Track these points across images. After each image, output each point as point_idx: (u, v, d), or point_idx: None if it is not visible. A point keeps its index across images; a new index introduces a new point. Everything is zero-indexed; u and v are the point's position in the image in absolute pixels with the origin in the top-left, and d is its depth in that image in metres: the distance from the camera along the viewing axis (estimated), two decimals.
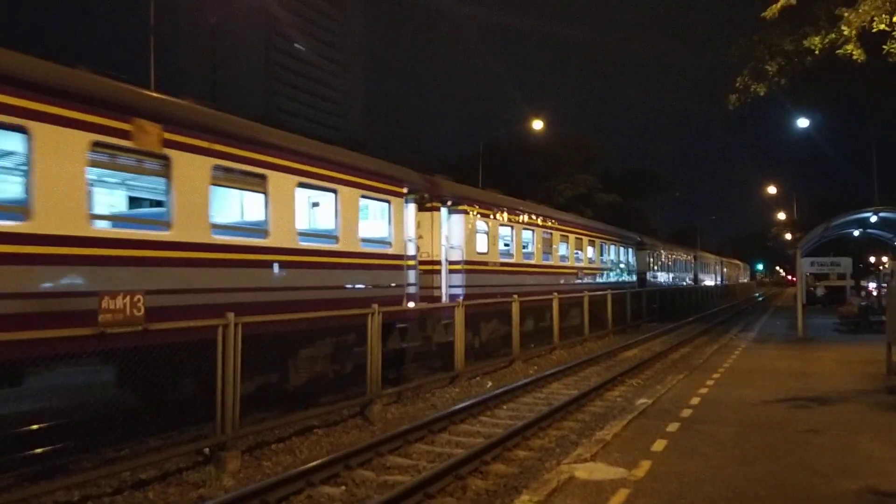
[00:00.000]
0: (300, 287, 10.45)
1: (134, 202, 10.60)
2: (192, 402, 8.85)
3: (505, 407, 11.49)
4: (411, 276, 13.56)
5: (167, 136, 8.31)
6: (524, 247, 19.68)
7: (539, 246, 20.60)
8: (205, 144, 8.87)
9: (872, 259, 55.93)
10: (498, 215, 17.87)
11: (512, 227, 18.81)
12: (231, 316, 7.83)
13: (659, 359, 17.98)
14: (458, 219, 15.80)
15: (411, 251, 13.65)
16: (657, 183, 72.04)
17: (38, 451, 8.03)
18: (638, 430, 8.45)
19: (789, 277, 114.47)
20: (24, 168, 7.02)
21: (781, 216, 66.76)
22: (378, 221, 13.11)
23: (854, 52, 11.88)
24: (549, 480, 6.40)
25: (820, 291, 37.06)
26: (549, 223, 21.67)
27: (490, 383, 13.71)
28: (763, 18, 12.38)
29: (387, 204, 12.93)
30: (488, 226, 17.19)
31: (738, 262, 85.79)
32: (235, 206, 11.05)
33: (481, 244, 16.83)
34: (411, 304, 13.35)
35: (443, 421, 9.88)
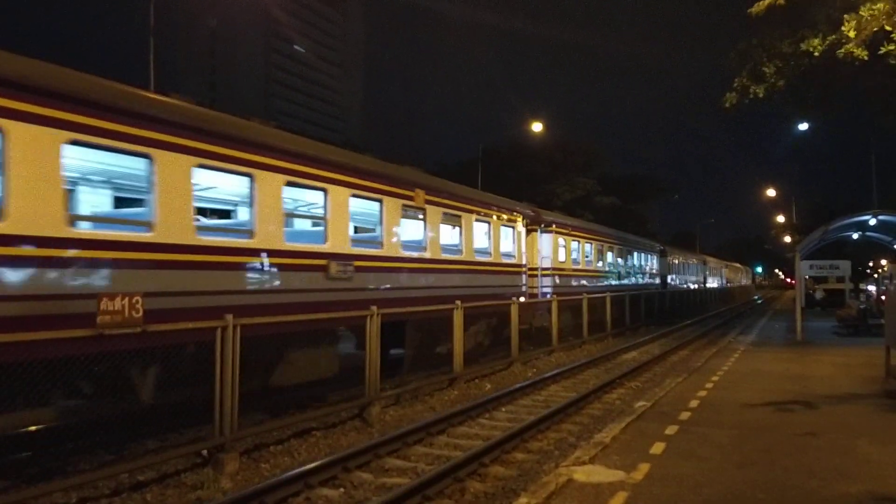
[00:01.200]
0: (484, 285, 16.67)
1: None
2: (190, 404, 8.83)
3: (503, 409, 11.48)
4: (524, 278, 19.17)
5: None
6: (586, 256, 25.71)
7: (596, 255, 26.81)
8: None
9: (871, 262, 55.99)
10: (571, 233, 23.97)
11: (579, 242, 24.77)
12: (230, 318, 7.82)
13: (658, 361, 17.97)
14: (547, 237, 21.74)
15: (524, 261, 19.23)
16: (656, 186, 72.12)
17: (36, 452, 8.01)
18: (636, 433, 8.44)
19: (788, 280, 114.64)
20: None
21: (780, 219, 66.85)
22: (507, 240, 18.33)
23: (856, 52, 11.91)
24: (548, 483, 6.40)
25: (819, 294, 37.12)
26: (603, 238, 28.17)
27: (489, 385, 13.70)
28: (757, 18, 12.39)
29: (511, 229, 18.58)
30: (565, 241, 23.27)
31: (740, 265, 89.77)
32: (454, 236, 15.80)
33: (562, 255, 22.81)
34: (522, 299, 17.99)
35: (441, 423, 9.87)
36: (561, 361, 17.42)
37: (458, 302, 13.56)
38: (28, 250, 6.87)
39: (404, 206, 13.27)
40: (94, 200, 9.92)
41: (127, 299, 6.94)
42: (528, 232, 20.12)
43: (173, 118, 8.52)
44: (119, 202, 10.54)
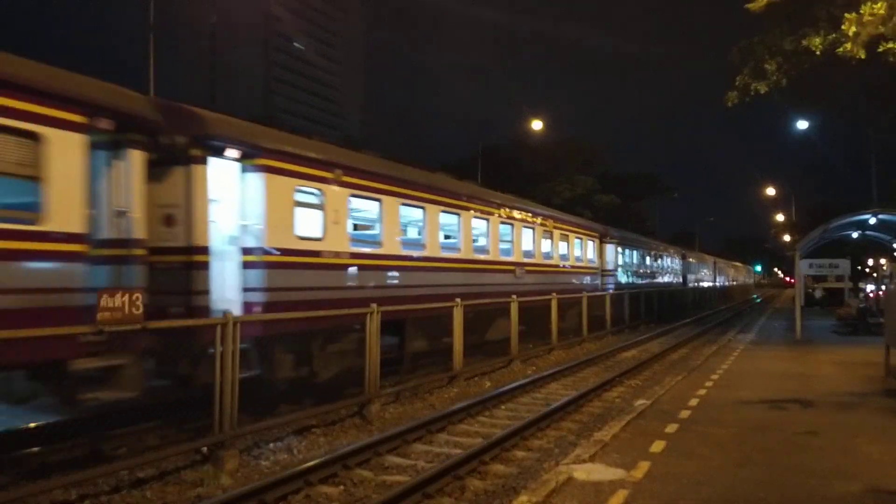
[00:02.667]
0: (580, 283, 24.07)
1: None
2: (190, 401, 8.84)
3: (503, 407, 11.48)
4: (598, 277, 26.53)
5: None
6: (635, 260, 33.02)
7: (640, 259, 34.12)
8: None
9: (871, 261, 55.98)
10: (626, 244, 31.16)
11: (631, 250, 32.10)
12: (230, 315, 7.81)
13: (657, 360, 17.98)
14: (610, 247, 28.13)
15: (596, 265, 26.52)
16: (655, 185, 72.08)
17: (36, 449, 8.00)
18: (636, 432, 8.44)
19: (787, 279, 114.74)
20: None
21: (780, 218, 66.82)
22: (588, 250, 25.73)
23: (855, 50, 11.91)
24: (548, 481, 6.40)
25: (818, 293, 37.13)
26: (646, 246, 35.96)
27: (488, 383, 13.71)
28: (757, 16, 12.37)
29: (592, 242, 26.28)
30: (623, 249, 30.20)
31: (742, 265, 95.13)
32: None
33: (619, 260, 29.21)
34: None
35: (441, 421, 9.87)
36: (560, 359, 17.42)
37: (458, 300, 13.55)
38: (329, 259, 11.16)
39: (544, 231, 20.86)
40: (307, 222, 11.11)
41: (127, 296, 6.93)
42: (596, 241, 27.11)
43: (393, 174, 13.20)
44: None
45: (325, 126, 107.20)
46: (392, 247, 12.90)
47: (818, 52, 13.25)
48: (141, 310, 7.14)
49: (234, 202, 9.73)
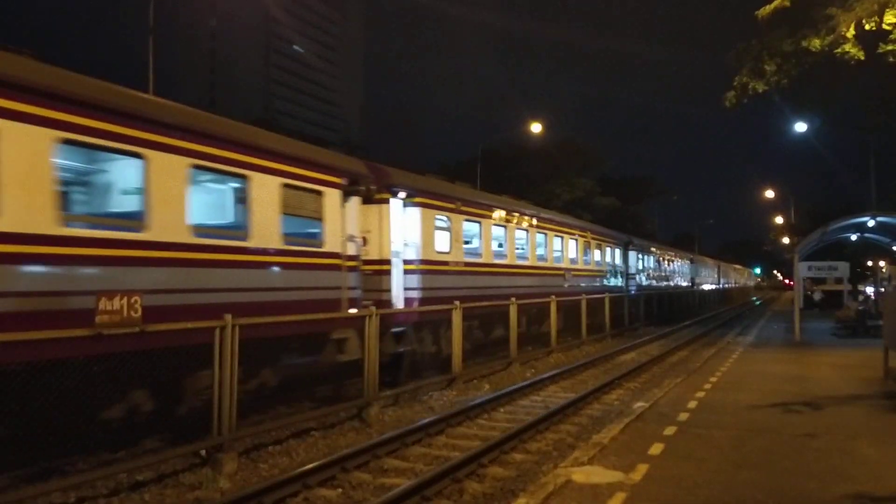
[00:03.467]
0: (606, 286, 26.57)
1: None
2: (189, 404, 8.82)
3: (502, 410, 11.48)
4: (624, 280, 30.82)
5: None
6: (655, 265, 38.77)
7: (658, 264, 39.80)
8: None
9: (870, 263, 55.99)
10: (647, 250, 36.98)
11: (650, 256, 37.39)
12: (228, 318, 7.81)
13: (656, 362, 17.98)
14: (633, 253, 32.47)
15: (622, 269, 30.69)
16: (655, 187, 72.16)
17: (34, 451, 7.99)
18: (635, 434, 8.45)
19: (787, 281, 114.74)
20: None
21: (779, 220, 66.84)
22: (616, 257, 29.99)
23: (852, 51, 11.94)
24: (546, 484, 6.40)
25: (817, 296, 37.09)
26: (663, 252, 42.35)
27: (487, 386, 13.70)
28: (761, 21, 12.43)
29: (619, 249, 30.24)
30: (643, 255, 35.24)
31: (744, 268, 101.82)
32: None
33: (640, 265, 34.56)
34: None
35: (440, 424, 9.87)
36: (560, 362, 17.42)
37: (457, 303, 13.56)
38: (454, 267, 15.18)
39: (584, 241, 25.17)
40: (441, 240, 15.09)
41: (125, 299, 6.94)
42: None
43: (490, 202, 17.91)
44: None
45: (324, 129, 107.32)
46: (487, 257, 17.18)
47: (817, 50, 13.28)
48: (139, 312, 7.15)
49: (399, 228, 13.64)
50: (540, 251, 20.86)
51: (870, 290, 33.46)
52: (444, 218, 14.93)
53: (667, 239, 73.31)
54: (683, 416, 9.46)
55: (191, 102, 9.91)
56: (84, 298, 6.89)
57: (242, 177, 9.38)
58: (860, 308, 23.97)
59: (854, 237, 29.17)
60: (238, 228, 9.47)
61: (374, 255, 13.08)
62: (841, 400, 10.78)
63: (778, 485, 6.36)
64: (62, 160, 7.21)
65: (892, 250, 29.68)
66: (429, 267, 14.14)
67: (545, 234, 21.05)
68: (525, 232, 19.64)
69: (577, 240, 24.28)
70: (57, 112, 6.86)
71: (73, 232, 6.98)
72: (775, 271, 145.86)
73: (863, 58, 12.46)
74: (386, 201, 13.21)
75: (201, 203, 9.17)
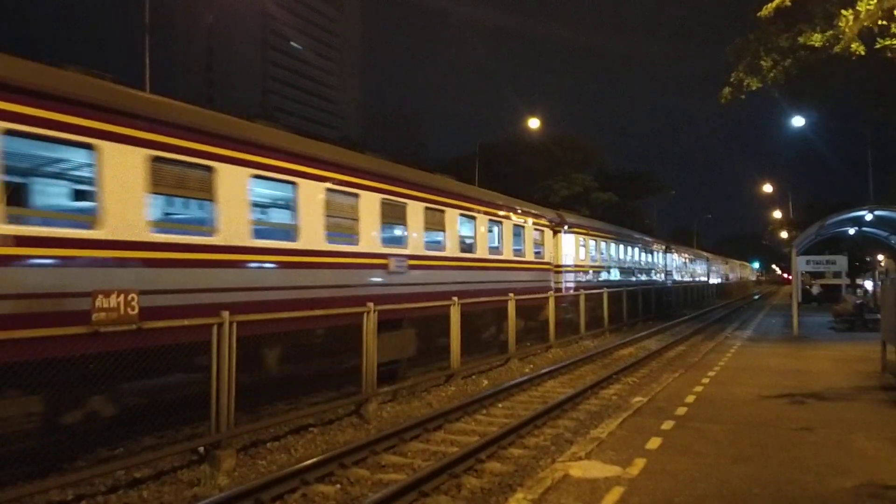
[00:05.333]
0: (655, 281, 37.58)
1: None
2: (187, 401, 8.83)
3: (500, 405, 11.50)
4: (663, 275, 40.80)
5: None
6: (681, 264, 48.13)
7: (684, 263, 49.59)
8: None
9: (868, 257, 56.03)
10: (677, 250, 46.05)
11: (677, 255, 46.38)
12: (226, 314, 7.82)
13: (655, 357, 18.00)
14: (671, 256, 42.52)
15: (662, 268, 41.12)
16: (653, 182, 72.10)
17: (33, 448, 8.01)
18: (633, 429, 8.46)
19: (785, 276, 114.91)
20: None
21: (777, 214, 66.87)
22: (659, 258, 40.12)
23: (853, 47, 11.92)
24: (544, 479, 6.41)
25: (816, 290, 37.17)
26: (686, 252, 52.74)
27: (486, 381, 13.72)
28: (759, 18, 12.42)
29: (662, 251, 40.84)
30: (675, 255, 44.88)
31: (747, 264, 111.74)
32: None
33: (671, 264, 42.89)
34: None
35: (438, 419, 9.88)
36: (558, 357, 17.44)
37: (455, 298, 13.56)
38: (585, 268, 24.99)
39: (644, 245, 36.30)
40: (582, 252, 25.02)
41: (122, 296, 6.93)
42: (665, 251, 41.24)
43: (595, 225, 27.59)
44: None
45: (322, 126, 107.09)
46: (598, 262, 26.84)
47: (818, 46, 13.26)
48: (136, 310, 7.15)
49: (564, 246, 23.24)
50: (631, 258, 32.74)
51: (868, 284, 33.51)
52: (583, 240, 24.95)
53: (664, 234, 73.49)
54: (681, 411, 9.48)
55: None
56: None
57: (500, 220, 17.87)
58: (858, 302, 23.99)
59: (852, 231, 29.15)
60: (518, 251, 18.97)
61: (555, 262, 22.20)
62: (838, 394, 10.80)
63: (775, 478, 6.38)
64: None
65: (890, 244, 29.70)
66: (576, 269, 24.01)
67: (630, 245, 32.59)
68: (604, 243, 28.34)
69: (634, 247, 33.69)
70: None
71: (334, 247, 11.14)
72: (774, 265, 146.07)
73: (864, 53, 12.44)
74: (560, 231, 22.82)
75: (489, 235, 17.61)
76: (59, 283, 6.91)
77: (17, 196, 8.13)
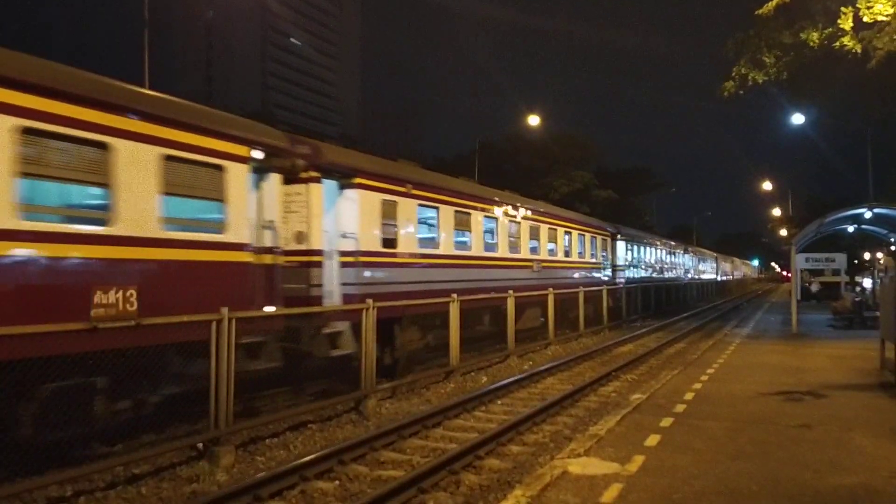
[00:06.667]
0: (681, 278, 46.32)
1: None
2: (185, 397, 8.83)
3: (499, 402, 11.50)
4: (686, 274, 49.11)
5: None
6: (694, 263, 54.10)
7: (698, 261, 55.69)
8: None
9: (867, 255, 56.05)
10: (697, 252, 57.66)
11: (697, 255, 55.52)
12: (225, 310, 7.80)
13: (654, 354, 18.01)
14: (687, 255, 50.82)
15: (685, 266, 50.94)
16: (653, 179, 72.12)
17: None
18: (632, 425, 8.46)
19: (784, 273, 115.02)
20: None
21: (777, 212, 66.92)
22: (685, 258, 50.78)
23: (850, 44, 11.92)
24: (543, 475, 6.41)
25: (815, 287, 37.16)
26: (700, 252, 59.43)
27: (485, 378, 13.72)
28: (758, 16, 12.42)
29: (685, 252, 50.11)
30: (694, 255, 54.40)
31: (748, 262, 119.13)
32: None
33: (688, 263, 50.81)
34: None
35: (437, 416, 9.89)
36: (557, 354, 17.45)
37: (454, 295, 13.56)
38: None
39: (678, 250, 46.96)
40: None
41: (121, 292, 6.92)
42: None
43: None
44: None
45: (322, 122, 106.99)
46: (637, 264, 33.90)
47: (815, 45, 13.25)
48: (135, 306, 7.14)
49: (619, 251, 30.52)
50: (661, 259, 39.38)
51: (867, 282, 33.51)
52: (629, 245, 31.96)
53: (664, 231, 73.66)
54: (680, 408, 9.48)
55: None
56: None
57: (584, 233, 24.95)
58: (857, 300, 24.00)
59: (851, 229, 29.15)
60: (593, 255, 26.34)
61: (612, 263, 28.74)
62: (837, 391, 10.81)
63: (773, 475, 6.38)
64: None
65: (890, 242, 29.71)
66: (624, 268, 30.75)
67: (661, 249, 39.82)
68: (643, 247, 35.14)
69: (675, 251, 42.88)
70: None
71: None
72: (773, 263, 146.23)
73: (860, 50, 12.44)
74: (615, 239, 29.53)
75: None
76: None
77: None
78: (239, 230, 9.14)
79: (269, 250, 9.77)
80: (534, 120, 39.91)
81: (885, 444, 7.52)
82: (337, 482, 7.18)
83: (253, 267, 9.32)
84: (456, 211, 15.82)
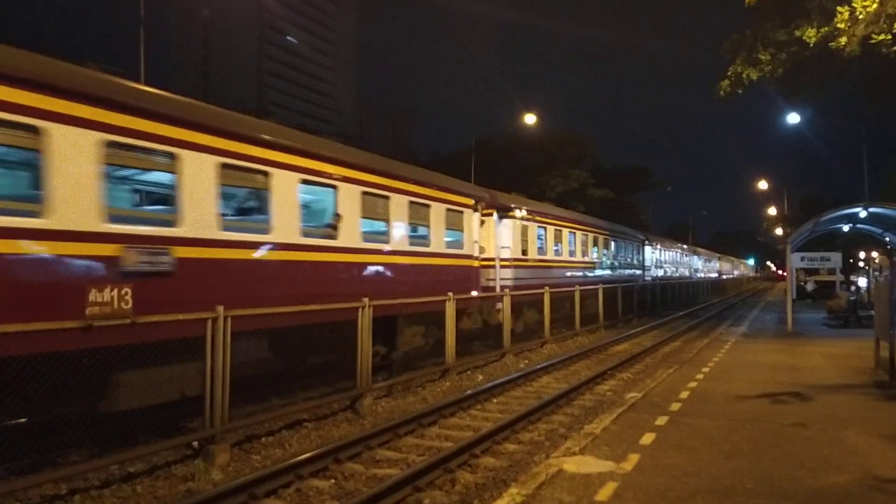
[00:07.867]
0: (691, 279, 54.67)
1: None
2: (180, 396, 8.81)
3: (495, 401, 11.51)
4: (692, 273, 59.51)
5: None
6: (703, 262, 65.72)
7: (706, 262, 67.85)
8: None
9: (862, 254, 56.24)
10: (703, 253, 68.46)
11: (703, 256, 65.49)
12: (220, 309, 7.79)
13: (649, 353, 18.03)
14: (695, 256, 61.27)
15: (693, 267, 62.14)
16: (649, 178, 72.22)
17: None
18: (627, 424, 8.48)
19: (780, 272, 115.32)
20: None
21: (772, 211, 67.06)
22: (698, 261, 64.60)
23: (848, 44, 11.94)
24: (538, 474, 6.42)
25: (810, 286, 37.29)
26: (707, 253, 72.89)
27: (481, 377, 13.73)
28: (752, 10, 12.43)
29: (694, 254, 61.78)
30: (701, 257, 65.72)
31: (745, 261, 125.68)
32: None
33: (698, 264, 63.01)
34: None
35: (433, 414, 9.89)
36: (554, 353, 17.47)
37: (451, 294, 13.56)
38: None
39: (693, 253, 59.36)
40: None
41: (116, 291, 6.91)
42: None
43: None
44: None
45: (318, 120, 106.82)
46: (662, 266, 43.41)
47: (811, 44, 13.27)
48: (130, 304, 7.12)
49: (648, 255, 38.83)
50: (676, 260, 46.33)
51: (862, 280, 33.62)
52: (656, 248, 38.26)
53: (659, 230, 74.03)
54: (675, 406, 9.50)
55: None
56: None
57: (616, 239, 31.35)
58: (852, 298, 24.07)
59: (846, 228, 29.23)
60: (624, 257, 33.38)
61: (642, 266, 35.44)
62: (832, 390, 10.84)
63: (768, 473, 6.40)
64: None
65: (885, 241, 29.80)
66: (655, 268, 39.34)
67: (674, 252, 47.35)
68: (668, 252, 43.44)
69: (687, 253, 49.02)
70: None
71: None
72: (768, 262, 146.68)
73: (857, 49, 12.45)
74: (645, 245, 35.85)
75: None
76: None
77: None
78: (470, 247, 16.23)
79: (476, 258, 16.72)
80: (530, 118, 39.90)
81: (879, 443, 7.54)
82: (332, 480, 7.18)
83: (475, 269, 16.55)
84: (555, 229, 23.37)
